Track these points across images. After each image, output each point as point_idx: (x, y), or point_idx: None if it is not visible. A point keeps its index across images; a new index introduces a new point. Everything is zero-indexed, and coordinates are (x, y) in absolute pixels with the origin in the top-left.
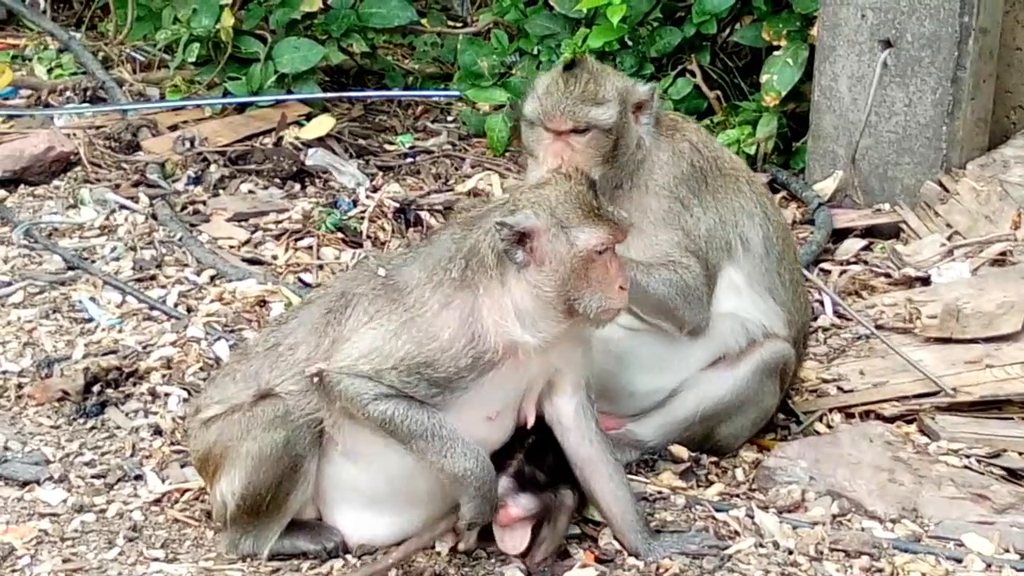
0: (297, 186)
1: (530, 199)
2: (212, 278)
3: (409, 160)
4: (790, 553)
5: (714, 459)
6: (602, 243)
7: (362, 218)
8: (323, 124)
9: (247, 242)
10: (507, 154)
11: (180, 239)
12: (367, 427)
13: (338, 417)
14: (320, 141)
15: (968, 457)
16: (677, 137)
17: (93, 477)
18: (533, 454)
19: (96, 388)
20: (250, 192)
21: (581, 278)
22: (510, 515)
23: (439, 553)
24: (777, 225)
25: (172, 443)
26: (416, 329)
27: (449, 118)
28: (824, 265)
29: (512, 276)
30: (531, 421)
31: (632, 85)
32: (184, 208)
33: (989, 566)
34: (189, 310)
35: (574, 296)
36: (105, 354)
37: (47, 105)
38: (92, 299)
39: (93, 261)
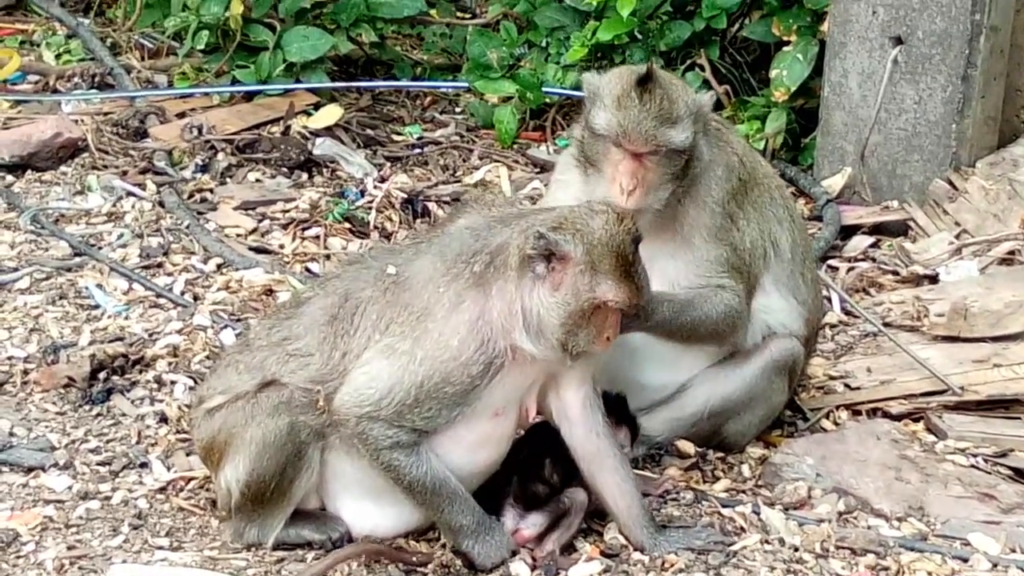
0: (304, 175)
1: (576, 225)
2: (219, 266)
3: (417, 151)
4: (796, 550)
5: (720, 455)
6: (617, 303)
7: (369, 208)
8: (331, 114)
9: (254, 231)
10: (515, 146)
11: (187, 227)
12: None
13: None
14: (328, 131)
15: (975, 456)
16: (728, 150)
17: (98, 464)
18: (528, 469)
19: (102, 375)
20: (257, 181)
21: (583, 318)
22: (524, 537)
23: (443, 545)
24: (801, 227)
25: (177, 431)
26: (428, 341)
27: (457, 109)
28: (832, 262)
29: (527, 285)
30: (532, 414)
31: (696, 97)
32: (191, 196)
33: (995, 565)
34: (196, 298)
35: (569, 329)
36: (111, 341)
37: (55, 91)
38: (99, 286)
39: (100, 248)
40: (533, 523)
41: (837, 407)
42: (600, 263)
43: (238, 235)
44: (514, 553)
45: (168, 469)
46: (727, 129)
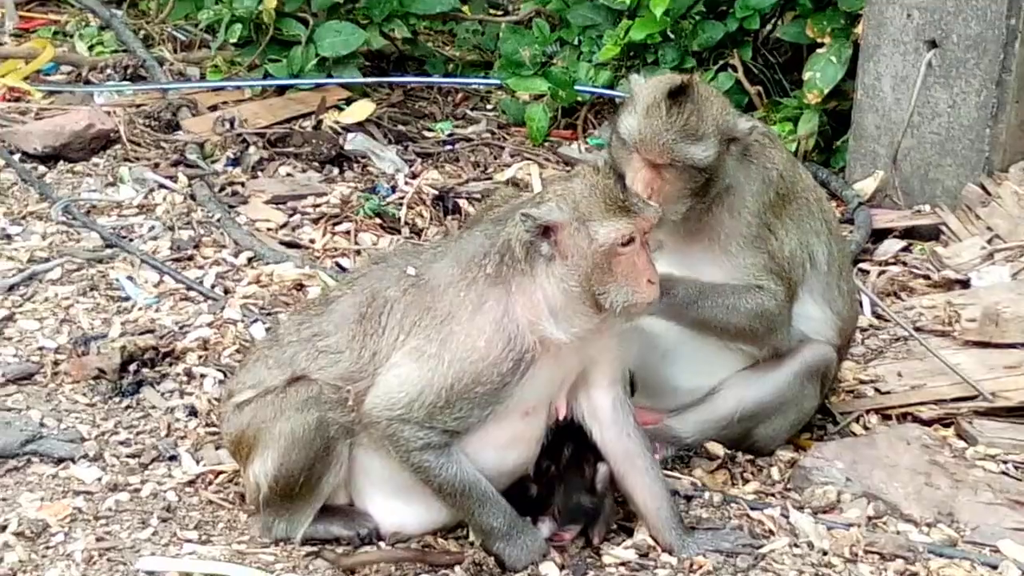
0: (336, 170)
1: (556, 192)
2: (249, 260)
3: (448, 147)
4: (824, 554)
5: (750, 457)
6: (623, 236)
7: (400, 204)
8: (363, 109)
9: (285, 225)
10: (546, 144)
11: (218, 220)
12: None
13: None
14: (359, 126)
15: (1005, 463)
16: (768, 165)
17: (128, 456)
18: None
19: (132, 367)
20: (288, 175)
21: (605, 272)
22: (565, 538)
23: (472, 543)
24: (838, 239)
25: (207, 424)
26: (455, 344)
27: (489, 106)
28: (863, 265)
29: (542, 271)
30: (562, 413)
31: (732, 119)
32: (222, 189)
33: None
34: (226, 291)
35: (600, 291)
36: (142, 333)
37: (87, 82)
38: (129, 278)
39: (131, 240)
40: (572, 529)
41: (867, 411)
42: (591, 212)
43: (269, 229)
44: (544, 555)
45: (197, 462)
46: (772, 143)
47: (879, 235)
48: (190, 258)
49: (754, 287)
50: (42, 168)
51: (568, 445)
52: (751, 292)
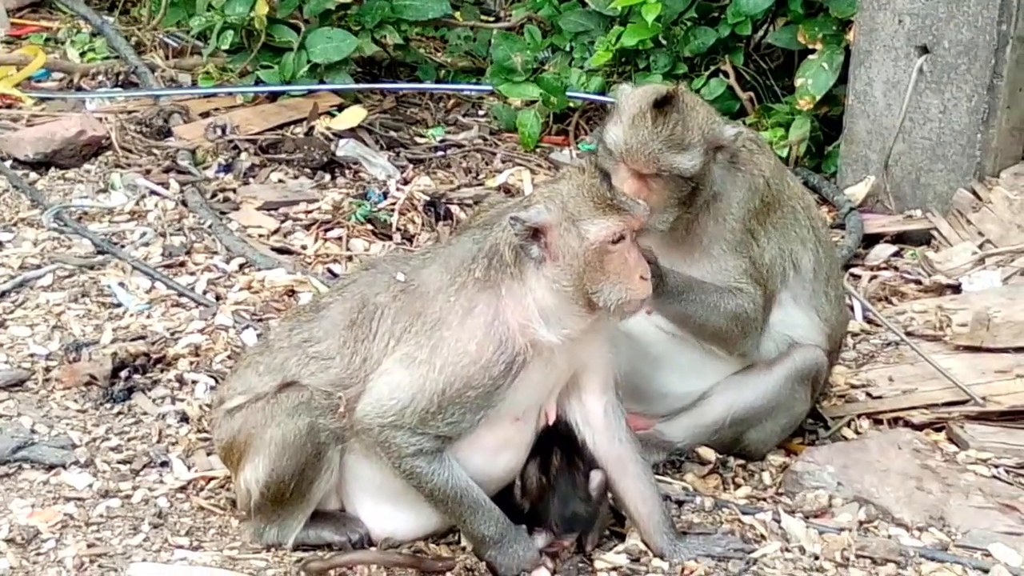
0: (327, 176)
1: (543, 194)
2: (241, 266)
3: (440, 153)
4: (816, 558)
5: (741, 462)
6: (613, 234)
7: (392, 210)
8: (354, 115)
9: (276, 231)
10: (538, 150)
11: (210, 226)
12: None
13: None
14: (351, 132)
15: (997, 467)
16: (755, 172)
17: (119, 462)
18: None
19: (123, 373)
20: (280, 181)
21: (597, 270)
22: (563, 545)
23: (463, 549)
24: (826, 246)
25: (198, 430)
26: (446, 349)
27: (480, 112)
28: (854, 270)
29: (531, 273)
30: (552, 419)
31: (718, 128)
32: (214, 195)
33: None
34: (218, 298)
35: (592, 289)
36: (133, 339)
37: (79, 88)
38: (121, 284)
39: (123, 246)
40: (568, 537)
41: (859, 416)
42: (580, 212)
43: (260, 235)
44: (537, 564)
45: (189, 468)
46: (760, 149)
47: (871, 240)
48: (182, 264)
49: (734, 289)
50: (33, 175)
51: (556, 452)
52: (732, 293)
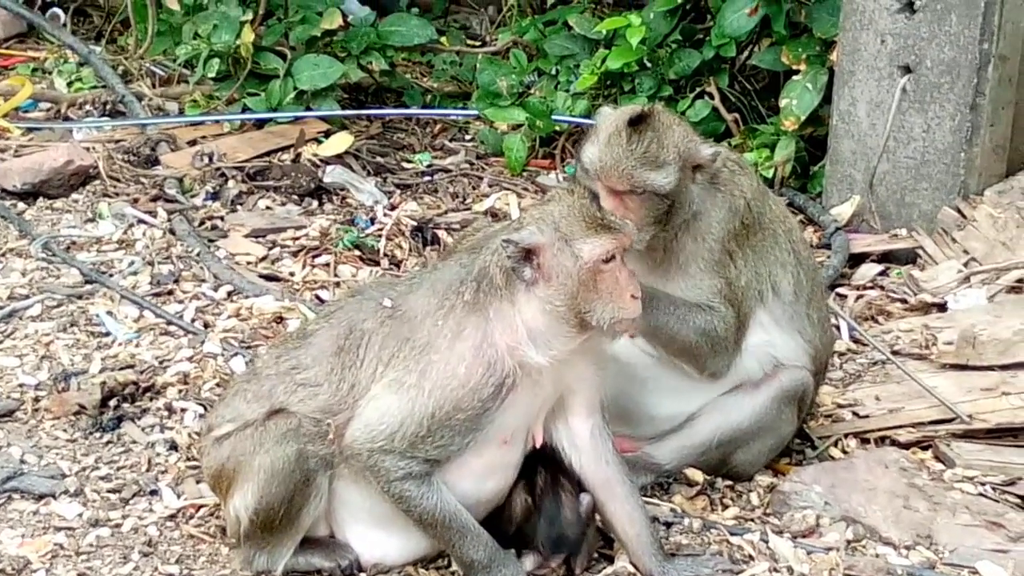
0: (315, 203)
1: (534, 216)
2: (229, 294)
3: (427, 178)
4: None
5: (729, 483)
6: (606, 252)
7: (379, 236)
8: (341, 141)
9: (264, 258)
10: (525, 174)
11: (198, 254)
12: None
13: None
14: (338, 158)
15: (983, 485)
16: (736, 193)
17: (109, 491)
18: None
19: (112, 402)
20: (268, 208)
21: (590, 290)
22: (552, 567)
23: (453, 574)
24: (808, 268)
25: (188, 458)
26: (435, 372)
27: (467, 137)
28: (840, 290)
29: (522, 295)
30: (539, 442)
31: (695, 146)
32: (202, 223)
33: None
34: (206, 325)
35: (585, 309)
36: (122, 368)
37: (67, 118)
38: (109, 313)
39: (111, 275)
40: (556, 558)
41: (846, 435)
42: (571, 231)
43: (248, 263)
44: None
45: (178, 497)
46: (741, 170)
47: (856, 259)
48: (170, 293)
49: (706, 306)
50: (21, 205)
51: (540, 473)
52: (703, 310)
